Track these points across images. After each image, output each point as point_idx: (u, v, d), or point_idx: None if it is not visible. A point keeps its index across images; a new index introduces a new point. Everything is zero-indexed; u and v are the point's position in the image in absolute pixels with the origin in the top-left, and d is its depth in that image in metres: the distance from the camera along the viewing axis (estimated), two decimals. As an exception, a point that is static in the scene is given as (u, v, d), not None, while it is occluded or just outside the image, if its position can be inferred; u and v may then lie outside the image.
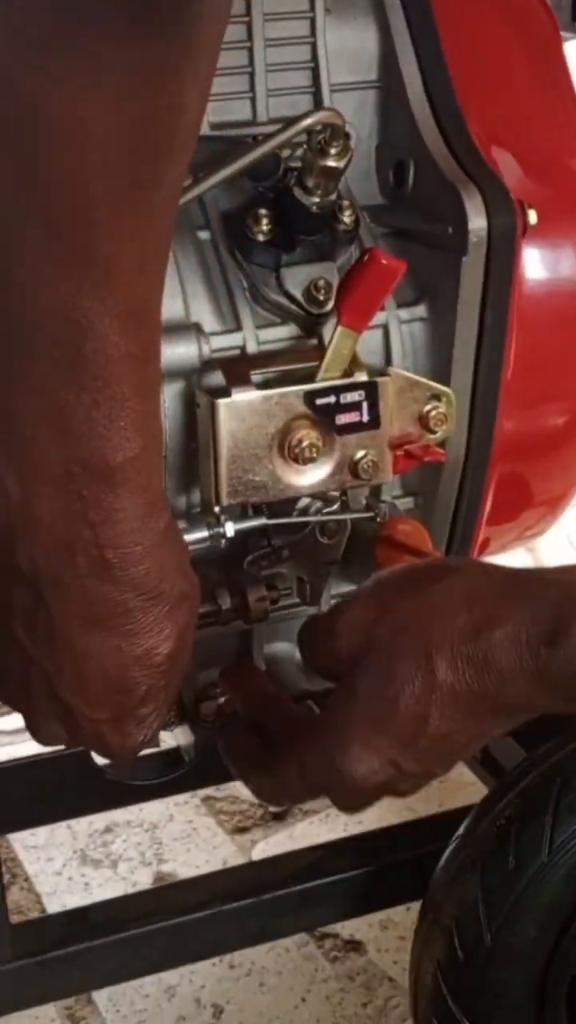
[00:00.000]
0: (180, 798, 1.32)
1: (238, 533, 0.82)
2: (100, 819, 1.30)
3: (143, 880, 1.20)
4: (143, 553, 0.58)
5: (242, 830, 1.28)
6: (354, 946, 1.13)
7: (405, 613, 0.65)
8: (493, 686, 0.61)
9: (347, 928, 1.14)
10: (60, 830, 1.29)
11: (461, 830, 0.81)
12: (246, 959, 1.11)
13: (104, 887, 1.19)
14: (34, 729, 0.65)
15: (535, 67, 0.92)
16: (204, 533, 0.80)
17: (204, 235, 0.83)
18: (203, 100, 0.52)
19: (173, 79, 0.48)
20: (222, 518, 0.81)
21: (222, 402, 0.77)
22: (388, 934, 1.13)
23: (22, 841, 1.28)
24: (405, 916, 1.08)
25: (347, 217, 0.82)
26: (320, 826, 1.27)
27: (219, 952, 0.87)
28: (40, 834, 1.29)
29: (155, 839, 1.27)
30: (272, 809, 1.30)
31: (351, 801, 0.66)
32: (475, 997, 0.80)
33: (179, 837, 1.27)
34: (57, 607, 0.58)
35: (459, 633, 0.62)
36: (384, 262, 0.76)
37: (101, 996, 1.08)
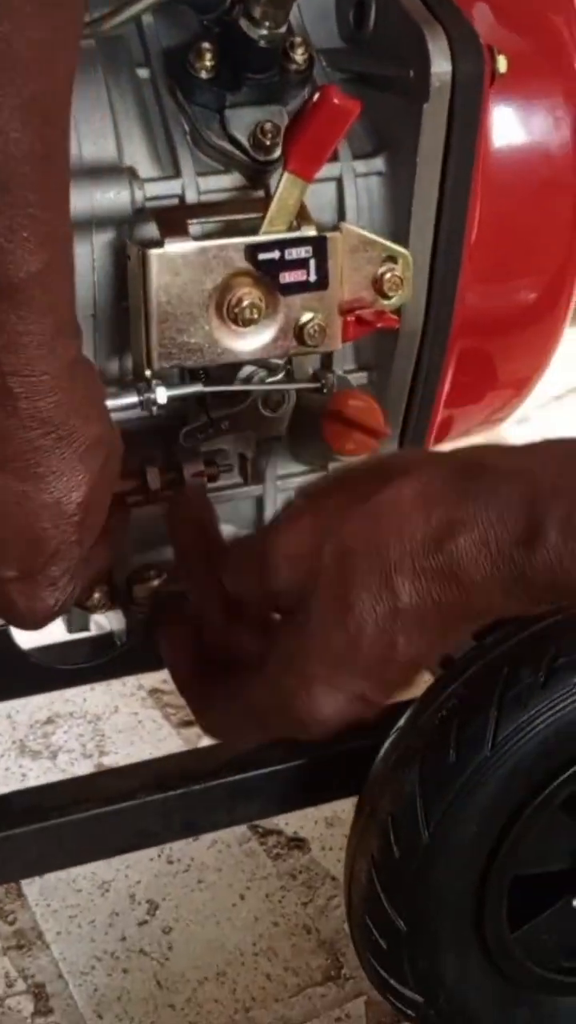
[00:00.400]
0: (126, 689, 1.28)
1: (171, 400, 0.76)
2: (42, 710, 1.25)
3: (83, 772, 1.16)
4: (51, 384, 0.53)
5: (188, 723, 1.24)
6: (298, 843, 1.09)
7: (352, 531, 0.56)
8: (462, 597, 0.53)
9: (291, 825, 1.10)
10: (0, 720, 1.25)
11: (402, 721, 0.76)
12: (184, 855, 1.07)
13: (42, 779, 1.15)
14: None
15: None
16: (133, 399, 0.74)
17: (143, 73, 0.77)
18: None
19: None
20: (153, 383, 0.75)
21: (154, 253, 0.71)
22: (334, 831, 1.10)
23: (-41, 730, 1.24)
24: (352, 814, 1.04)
25: (299, 56, 0.75)
26: (269, 722, 1.23)
27: (144, 845, 0.83)
28: (-22, 724, 1.25)
29: (98, 731, 1.23)
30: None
31: (316, 739, 0.60)
32: (410, 896, 0.76)
33: (123, 729, 1.23)
34: None
35: (419, 546, 0.53)
36: (336, 101, 0.70)
37: (32, 890, 1.04)
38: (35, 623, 0.60)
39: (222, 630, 0.64)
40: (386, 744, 0.77)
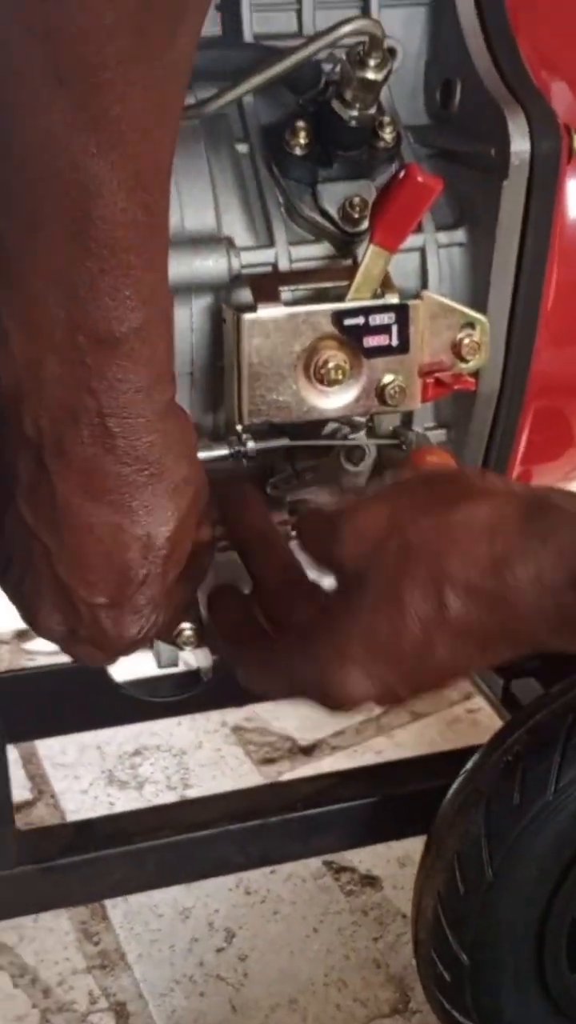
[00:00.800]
0: (210, 726, 1.33)
1: (260, 453, 0.81)
2: (130, 741, 1.30)
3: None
4: (145, 425, 0.57)
5: (269, 761, 1.28)
6: (370, 881, 1.13)
7: (421, 531, 0.61)
8: (507, 624, 0.58)
9: (364, 863, 1.14)
10: (90, 750, 1.30)
11: (470, 764, 0.80)
12: (262, 887, 1.11)
13: (128, 808, 1.20)
14: (33, 617, 0.64)
15: (594, -12, 0.89)
16: (225, 451, 0.79)
17: (242, 148, 0.82)
18: None
19: None
20: (244, 437, 0.80)
21: (248, 317, 0.76)
22: (405, 871, 1.13)
23: (52, 759, 1.29)
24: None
25: (387, 134, 0.80)
26: (347, 761, 1.27)
27: (223, 872, 0.88)
28: (70, 753, 1.30)
29: (182, 764, 1.28)
30: (301, 743, 1.30)
31: (335, 711, 0.65)
32: (474, 931, 0.80)
33: (206, 764, 1.28)
34: (59, 477, 0.58)
35: (478, 566, 0.58)
36: (420, 179, 0.74)
37: (116, 914, 1.09)
38: (120, 650, 0.64)
39: (273, 593, 0.68)
40: (454, 785, 0.81)
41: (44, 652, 1.47)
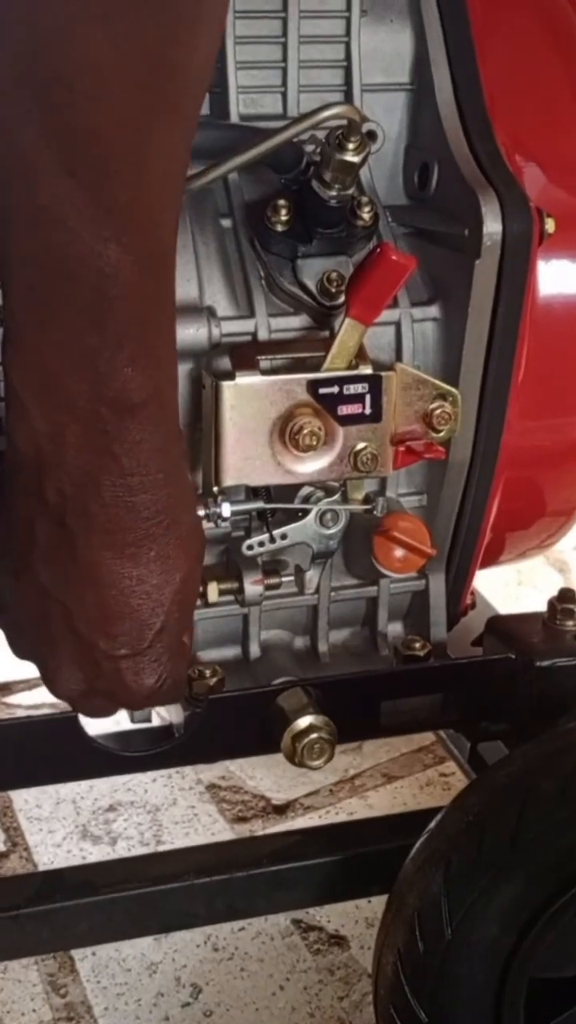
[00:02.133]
0: (185, 783, 1.34)
1: (235, 515, 0.84)
2: (105, 797, 1.31)
3: (139, 859, 1.21)
4: (163, 480, 0.61)
5: (242, 819, 1.29)
6: (338, 941, 1.13)
7: None
8: None
9: (333, 923, 1.15)
10: (65, 804, 1.31)
11: (432, 824, 0.82)
12: (230, 943, 1.12)
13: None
14: (51, 678, 0.66)
15: (569, 76, 0.93)
16: (201, 512, 0.82)
17: (226, 223, 0.86)
18: (212, 57, 0.54)
19: (188, 37, 0.51)
20: (220, 499, 0.83)
21: (227, 384, 0.79)
22: (373, 932, 1.13)
23: (26, 812, 1.30)
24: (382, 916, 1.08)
25: (366, 213, 0.84)
26: (320, 821, 1.28)
27: (189, 925, 0.89)
28: (45, 807, 1.31)
29: (156, 821, 1.29)
30: (274, 802, 1.32)
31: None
32: (433, 990, 0.81)
33: (180, 821, 1.29)
34: (81, 536, 0.60)
35: None
36: (394, 258, 0.78)
37: (84, 966, 1.10)
38: (141, 700, 0.66)
39: None
40: (416, 845, 0.82)
41: (24, 706, 1.49)
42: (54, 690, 0.68)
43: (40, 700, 1.49)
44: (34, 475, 0.60)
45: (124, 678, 0.65)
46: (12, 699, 1.51)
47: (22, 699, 1.50)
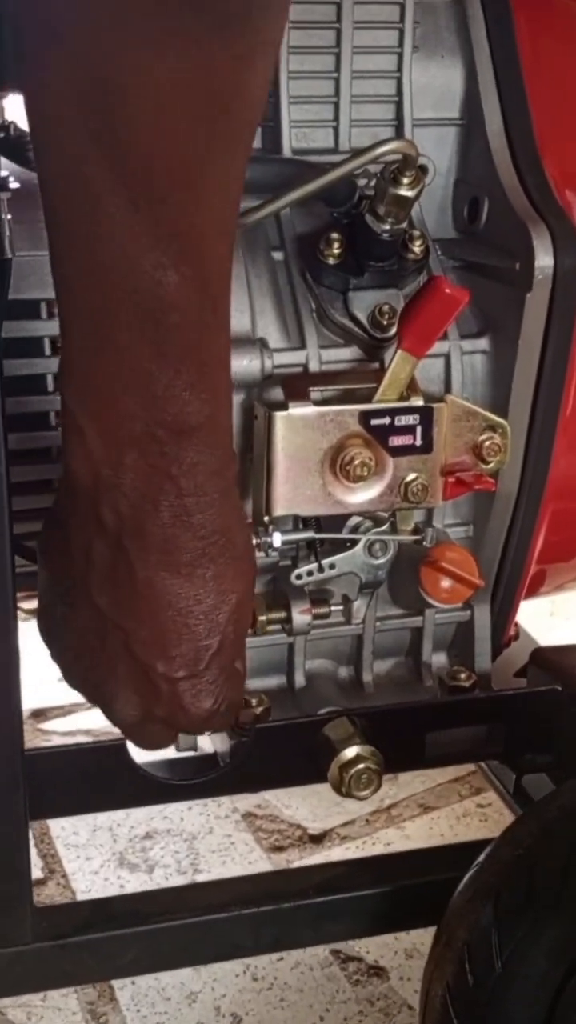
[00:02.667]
0: (221, 812, 1.34)
1: (285, 544, 0.85)
2: (142, 825, 1.32)
3: (177, 887, 1.21)
4: (218, 500, 0.61)
5: (279, 848, 1.29)
6: (377, 972, 1.13)
7: None
8: None
9: (372, 954, 1.14)
10: (102, 832, 1.31)
11: (481, 857, 0.81)
12: (269, 973, 1.12)
13: (138, 891, 1.21)
14: (108, 704, 0.66)
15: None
16: (252, 541, 0.82)
17: (278, 255, 0.86)
18: (265, 89, 0.55)
19: (244, 70, 0.51)
20: (270, 528, 0.83)
21: (279, 415, 0.80)
22: (413, 963, 1.13)
23: (64, 839, 1.30)
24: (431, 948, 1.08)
25: (417, 247, 0.84)
26: (357, 851, 1.28)
27: (235, 956, 0.89)
28: (82, 834, 1.31)
29: (192, 849, 1.29)
30: (311, 831, 1.31)
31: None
32: (482, 1022, 0.80)
33: (216, 849, 1.29)
34: (139, 558, 0.61)
35: None
36: (447, 291, 0.78)
37: (124, 995, 1.10)
38: (199, 723, 0.66)
39: None
40: (465, 877, 0.82)
41: (59, 732, 1.49)
42: (111, 717, 0.68)
43: (74, 727, 1.49)
44: (91, 498, 0.61)
45: (182, 701, 0.65)
46: (47, 725, 1.51)
47: (56, 726, 1.50)
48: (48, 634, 0.68)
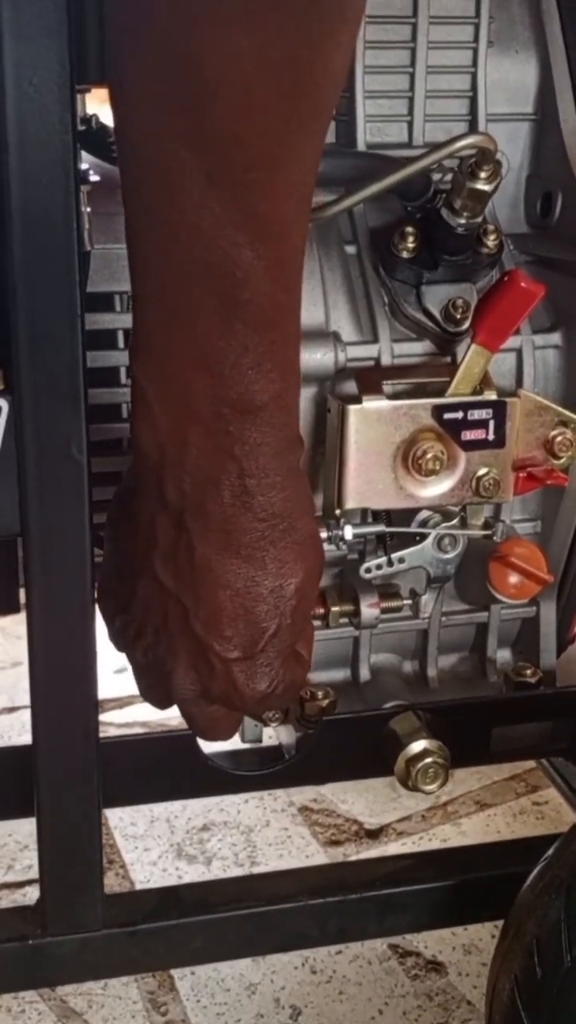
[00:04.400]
0: (277, 805, 1.34)
1: (356, 537, 0.85)
2: (199, 817, 1.32)
3: (234, 879, 1.22)
4: (280, 483, 0.61)
5: (335, 843, 1.29)
6: (435, 967, 1.13)
7: None
8: None
9: (430, 948, 1.15)
10: (160, 824, 1.32)
11: (551, 851, 0.81)
12: (328, 967, 1.12)
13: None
14: (168, 679, 0.66)
15: None
16: (323, 534, 0.83)
17: (351, 249, 0.87)
18: (346, 67, 0.55)
19: (329, 47, 0.52)
20: (341, 521, 0.83)
21: (352, 408, 0.80)
22: (471, 959, 1.13)
23: (122, 830, 1.31)
24: (490, 943, 1.08)
25: (491, 241, 0.84)
26: (413, 847, 1.28)
27: (300, 946, 0.89)
28: (140, 825, 1.32)
29: (250, 842, 1.29)
30: (367, 826, 1.32)
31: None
32: (550, 1017, 0.80)
33: (273, 843, 1.29)
34: (199, 536, 0.61)
35: None
36: (523, 285, 0.78)
37: (184, 985, 1.10)
38: (253, 704, 0.66)
39: None
40: (535, 871, 0.82)
41: (116, 724, 1.50)
42: (172, 692, 0.68)
43: (131, 718, 1.50)
44: (156, 475, 0.62)
45: (237, 681, 0.65)
46: (104, 717, 1.52)
47: (113, 717, 1.51)
48: (110, 609, 0.69)
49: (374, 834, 1.32)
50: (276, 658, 0.66)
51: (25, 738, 0.85)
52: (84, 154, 0.81)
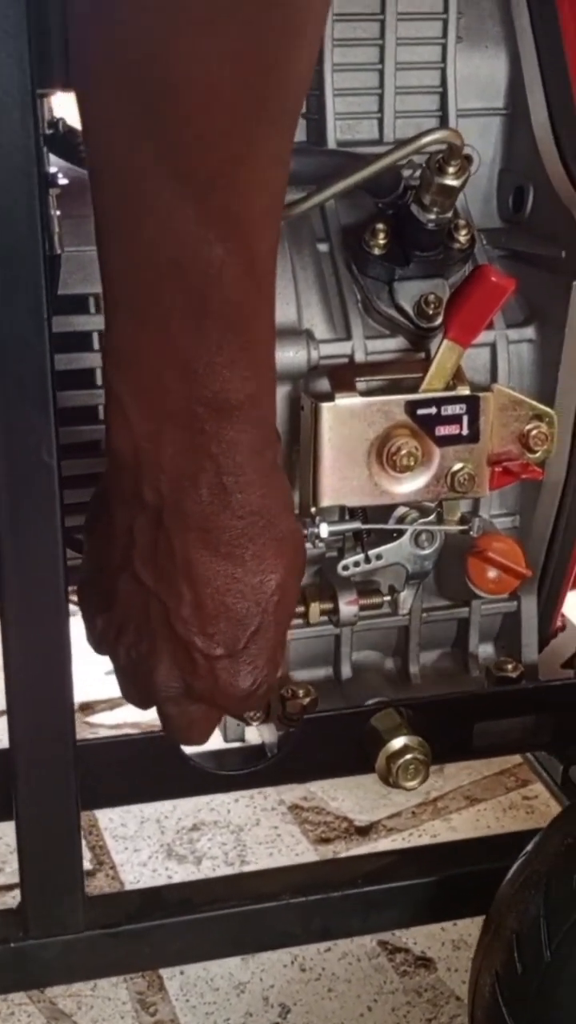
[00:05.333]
0: (267, 804, 1.35)
1: (332, 535, 0.85)
2: (189, 816, 1.32)
3: (224, 879, 1.22)
4: (258, 480, 0.61)
5: (325, 840, 1.29)
6: (424, 963, 1.13)
7: None
8: None
9: (419, 944, 1.15)
10: (149, 824, 1.32)
11: (530, 846, 0.81)
12: (317, 964, 1.12)
13: (186, 882, 1.22)
14: (149, 678, 0.66)
15: None
16: (297, 525, 0.82)
17: (323, 247, 0.87)
18: (312, 62, 0.56)
19: (295, 44, 0.52)
20: (317, 519, 0.83)
21: (325, 405, 0.80)
22: (460, 954, 1.14)
23: (112, 831, 1.31)
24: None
25: (462, 236, 0.84)
26: (403, 843, 1.28)
27: (283, 944, 0.89)
28: (130, 826, 1.32)
29: (240, 841, 1.29)
30: (357, 823, 1.32)
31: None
32: (531, 1012, 0.80)
33: (263, 841, 1.29)
34: (178, 535, 0.61)
35: None
36: (493, 279, 0.78)
37: (173, 985, 1.10)
38: (236, 703, 0.66)
39: None
40: (514, 866, 0.82)
41: (107, 725, 1.50)
42: (152, 693, 0.68)
43: (122, 720, 1.50)
44: (132, 474, 0.62)
45: (219, 679, 0.65)
46: (94, 719, 1.52)
47: (104, 719, 1.52)
48: (91, 609, 0.69)
49: (364, 831, 1.32)
50: (259, 655, 0.66)
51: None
52: (53, 157, 0.81)
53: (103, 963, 0.86)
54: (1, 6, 0.62)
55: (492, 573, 0.89)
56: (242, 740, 0.95)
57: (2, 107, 0.63)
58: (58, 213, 0.79)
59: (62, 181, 0.80)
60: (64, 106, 0.84)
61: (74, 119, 0.77)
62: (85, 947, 0.84)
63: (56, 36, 0.71)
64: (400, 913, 0.90)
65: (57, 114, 0.82)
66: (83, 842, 1.28)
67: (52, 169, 0.80)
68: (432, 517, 0.87)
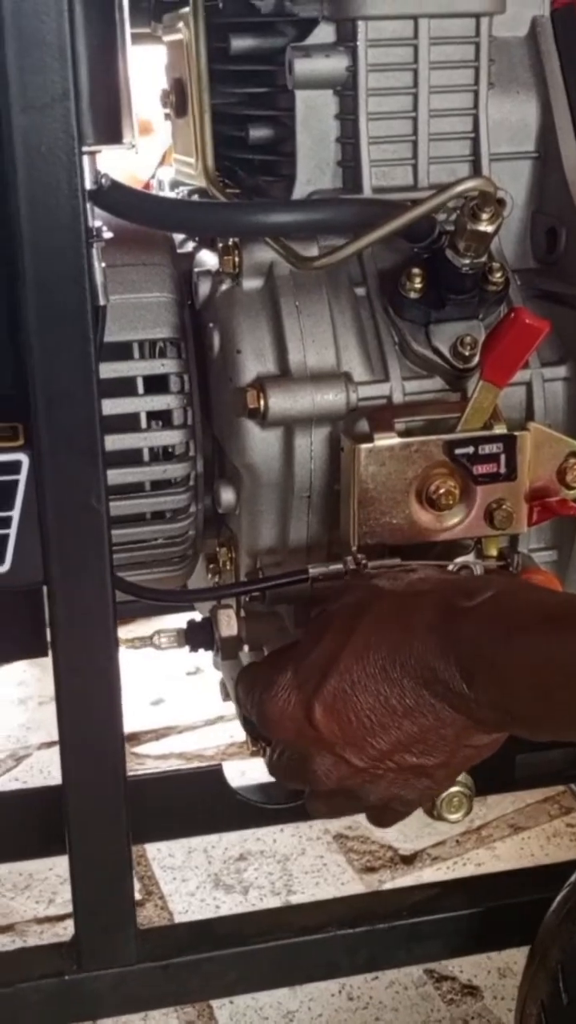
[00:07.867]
0: (312, 833, 1.36)
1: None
2: (235, 847, 1.34)
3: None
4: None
5: (370, 870, 1.31)
6: (471, 991, 1.14)
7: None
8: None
9: (465, 972, 1.16)
10: (197, 854, 1.34)
11: (573, 877, 0.83)
12: (364, 993, 1.14)
13: (234, 911, 1.23)
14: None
15: None
16: (340, 566, 0.84)
17: (360, 291, 0.89)
18: None
19: None
20: (360, 556, 0.85)
21: (364, 447, 0.82)
22: (506, 982, 1.14)
23: (160, 861, 1.33)
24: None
25: (497, 278, 0.86)
26: (448, 872, 1.29)
27: (330, 976, 0.91)
28: (177, 856, 1.34)
29: (286, 871, 1.31)
30: (402, 852, 1.33)
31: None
32: (577, 1042, 0.81)
33: (309, 871, 1.31)
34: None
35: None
36: (528, 322, 0.80)
37: (223, 1014, 1.12)
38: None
39: None
40: (558, 898, 0.83)
41: (153, 756, 1.52)
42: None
43: (167, 750, 1.52)
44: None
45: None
46: (140, 749, 1.54)
47: (150, 749, 1.54)
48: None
49: (409, 860, 1.33)
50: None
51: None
52: (97, 211, 0.83)
53: (155, 995, 0.88)
54: (48, 70, 0.65)
55: (532, 607, 0.90)
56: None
57: (49, 170, 0.66)
58: (103, 265, 0.81)
59: (106, 235, 0.82)
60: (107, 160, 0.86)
61: (117, 173, 0.80)
62: (137, 980, 0.86)
63: (98, 95, 0.74)
64: (445, 944, 0.91)
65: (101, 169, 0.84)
66: (132, 873, 1.31)
67: (96, 223, 0.83)
68: (471, 554, 0.89)
